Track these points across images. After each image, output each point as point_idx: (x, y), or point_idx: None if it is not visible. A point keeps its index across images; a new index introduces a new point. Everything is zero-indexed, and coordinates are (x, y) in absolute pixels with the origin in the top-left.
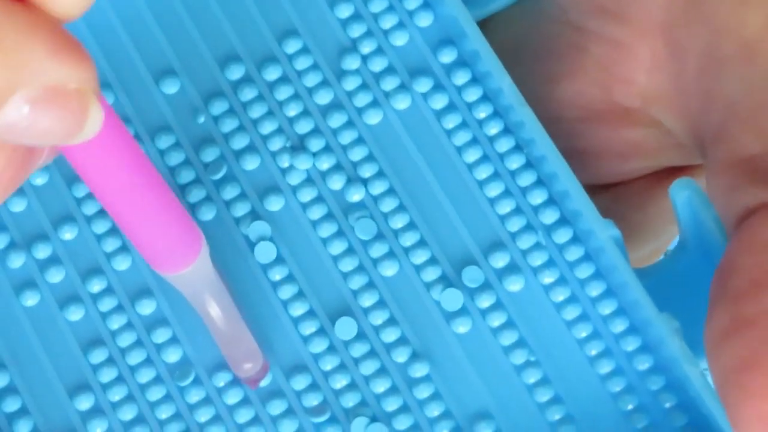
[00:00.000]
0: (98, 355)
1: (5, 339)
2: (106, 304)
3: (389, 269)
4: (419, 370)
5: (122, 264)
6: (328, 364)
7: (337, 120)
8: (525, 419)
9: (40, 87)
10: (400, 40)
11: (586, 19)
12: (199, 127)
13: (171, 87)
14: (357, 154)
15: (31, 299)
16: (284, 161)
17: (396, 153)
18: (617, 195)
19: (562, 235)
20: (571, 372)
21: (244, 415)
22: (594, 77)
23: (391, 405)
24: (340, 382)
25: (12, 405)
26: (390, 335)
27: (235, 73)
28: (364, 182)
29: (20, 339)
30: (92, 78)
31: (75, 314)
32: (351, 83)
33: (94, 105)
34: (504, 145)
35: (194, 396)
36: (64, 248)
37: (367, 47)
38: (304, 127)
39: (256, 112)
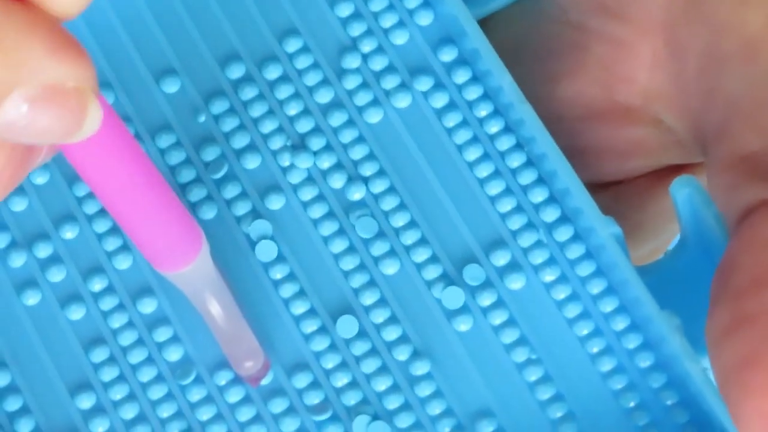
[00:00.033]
0: (99, 354)
1: (6, 338)
2: (107, 303)
3: (390, 267)
4: (420, 368)
5: (123, 263)
6: (330, 362)
7: (337, 119)
8: (526, 417)
9: (38, 85)
10: (400, 38)
11: (586, 18)
12: (200, 126)
13: (171, 86)
14: (358, 152)
15: (32, 298)
16: (285, 160)
17: (396, 151)
18: (618, 194)
19: (563, 233)
20: (572, 370)
21: (245, 414)
22: (595, 76)
23: (393, 403)
24: (341, 380)
25: (13, 404)
26: (391, 333)
27: (236, 72)
28: (365, 181)
29: (21, 338)
30: (91, 76)
31: (76, 313)
32: (351, 82)
33: (93, 103)
34: (505, 143)
35: (195, 395)
36: (65, 247)
37: (367, 46)
38: (304, 125)
39: (257, 111)
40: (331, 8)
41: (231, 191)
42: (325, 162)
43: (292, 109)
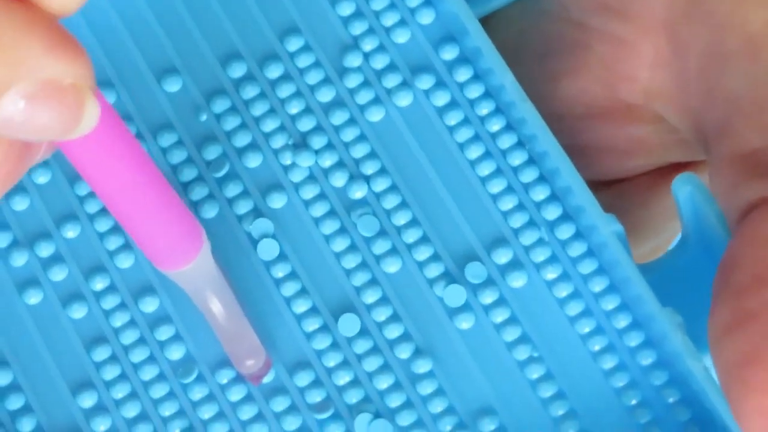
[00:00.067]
0: (101, 353)
1: (8, 337)
2: (109, 302)
3: (392, 266)
4: (422, 366)
5: (125, 262)
6: (332, 360)
7: (339, 117)
8: (528, 415)
9: (36, 82)
10: (401, 37)
11: (588, 17)
12: (201, 125)
13: (173, 85)
14: (359, 151)
15: (33, 297)
16: (286, 159)
17: (398, 150)
18: (620, 192)
19: (565, 231)
20: (574, 367)
21: (247, 412)
22: (597, 74)
23: (395, 401)
24: (343, 378)
25: (15, 403)
26: (393, 331)
27: (237, 71)
28: (367, 179)
29: (23, 337)
30: (88, 73)
31: (78, 312)
32: (353, 80)
33: (90, 100)
34: (506, 141)
35: (197, 393)
36: (67, 246)
37: (368, 45)
38: (306, 124)
39: (258, 109)
40: (332, 7)
41: (232, 190)
42: (327, 160)
43: (294, 108)
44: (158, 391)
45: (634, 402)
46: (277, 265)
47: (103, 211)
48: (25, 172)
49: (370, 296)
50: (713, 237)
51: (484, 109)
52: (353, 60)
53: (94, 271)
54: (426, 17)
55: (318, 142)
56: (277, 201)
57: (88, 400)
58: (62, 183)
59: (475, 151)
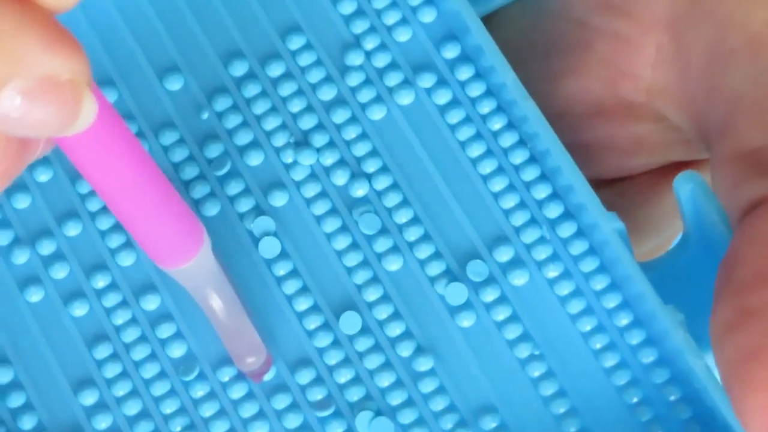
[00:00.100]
0: (103, 351)
1: (10, 335)
2: (111, 300)
3: (393, 264)
4: (424, 364)
5: (126, 260)
6: (333, 358)
7: (340, 115)
8: (530, 413)
9: (32, 78)
10: (403, 35)
11: (590, 15)
12: (203, 123)
13: (174, 83)
14: (361, 149)
15: (35, 295)
16: (288, 157)
17: (400, 148)
18: (622, 190)
19: (567, 229)
20: (575, 365)
21: (248, 410)
22: (599, 73)
23: (396, 399)
24: (344, 376)
25: (17, 400)
26: (394, 329)
27: (239, 69)
28: (368, 177)
29: (24, 335)
30: (85, 69)
31: (79, 310)
32: (354, 79)
33: (87, 96)
34: (508, 139)
35: (199, 391)
36: (68, 244)
37: (370, 43)
38: (307, 122)
39: (260, 108)
40: (333, 5)
41: (234, 188)
42: (328, 159)
43: (295, 106)
44: (159, 388)
45: (635, 400)
46: (278, 263)
47: (105, 210)
48: (23, 169)
49: (372, 294)
50: (715, 235)
51: (486, 107)
52: (355, 58)
53: (95, 269)
54: (427, 15)
55: (319, 140)
56: (278, 199)
57: (89, 398)
58: (63, 181)
59: (476, 150)
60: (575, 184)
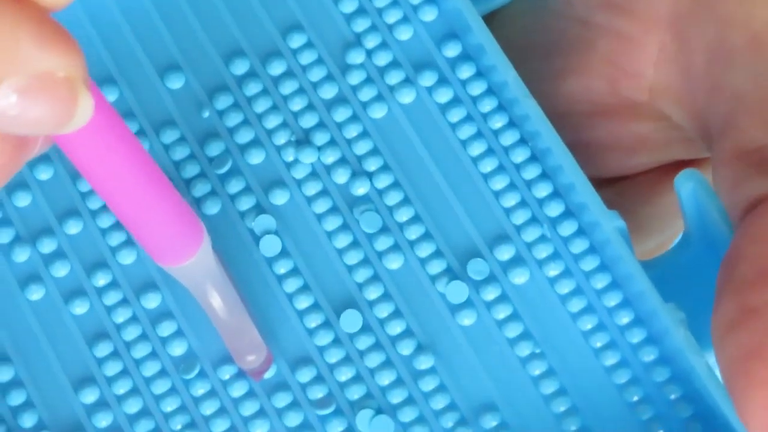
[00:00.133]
0: (103, 349)
1: (10, 333)
2: (111, 298)
3: (394, 262)
4: (424, 363)
5: (127, 258)
6: (333, 356)
7: (341, 114)
8: (530, 411)
9: (28, 76)
10: (404, 34)
11: (592, 14)
12: (204, 122)
13: (175, 82)
14: (362, 147)
15: (36, 293)
16: (289, 155)
17: (401, 146)
18: (623, 189)
19: (567, 228)
20: (576, 364)
21: (249, 408)
22: (601, 71)
23: (396, 397)
24: (345, 374)
25: (17, 398)
26: (395, 328)
27: (240, 67)
28: (369, 176)
29: (25, 333)
30: (80, 66)
31: (80, 308)
32: (356, 77)
33: (84, 93)
34: (509, 138)
35: (199, 389)
36: (69, 242)
37: (371, 42)
38: (308, 121)
39: (261, 106)
40: (335, 4)
41: (235, 186)
42: (330, 157)
43: (297, 105)
44: (160, 387)
45: (636, 398)
46: (279, 261)
47: (105, 208)
48: (21, 166)
49: (373, 293)
50: (716, 233)
51: (487, 106)
52: (356, 57)
53: (96, 267)
54: (428, 14)
55: (320, 138)
56: (279, 197)
57: (89, 396)
58: (64, 179)
59: (477, 148)
60: (576, 182)
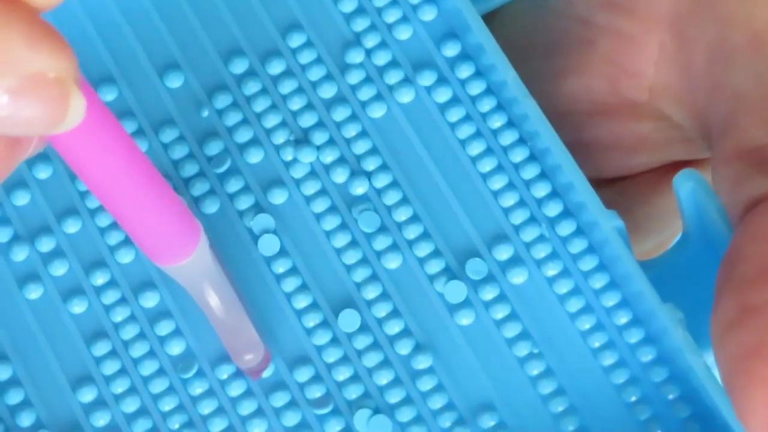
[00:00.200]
0: (101, 348)
1: (8, 332)
2: (109, 297)
3: (392, 262)
4: (422, 362)
5: (125, 257)
6: (331, 356)
7: (340, 113)
8: (528, 411)
9: (19, 77)
10: (403, 33)
11: (593, 13)
12: (203, 121)
13: (174, 81)
14: (361, 147)
15: (34, 292)
16: (288, 154)
17: (400, 146)
18: (623, 189)
19: (566, 228)
20: (574, 364)
21: (246, 408)
22: (601, 71)
23: (394, 397)
24: (343, 374)
25: (15, 397)
26: (393, 327)
27: (239, 66)
28: (368, 175)
29: (23, 332)
30: (72, 67)
31: (78, 307)
32: (355, 77)
33: (75, 93)
34: (508, 137)
35: (197, 388)
36: (68, 241)
37: (370, 41)
38: (307, 120)
39: (260, 105)
40: (334, 3)
41: (234, 185)
42: (328, 156)
43: (296, 104)
44: (158, 386)
45: (634, 398)
46: (277, 260)
47: (104, 207)
48: (16, 166)
49: (371, 292)
50: (715, 233)
51: (486, 105)
52: (355, 56)
53: (94, 266)
54: (428, 14)
55: (319, 138)
56: (278, 197)
57: (87, 395)
58: (63, 178)
59: (476, 148)
60: (575, 182)
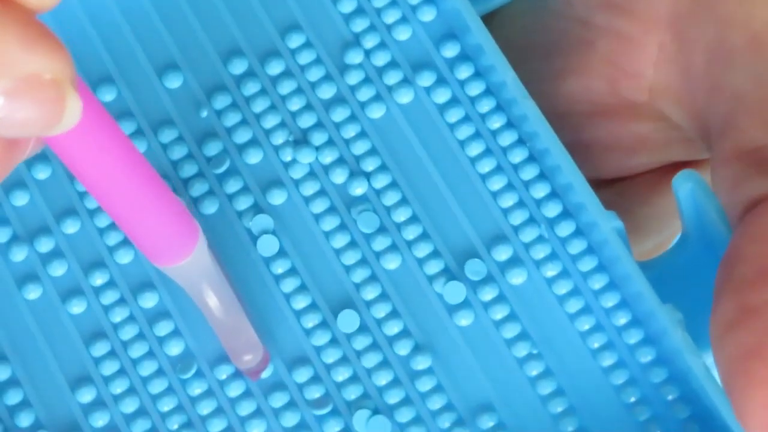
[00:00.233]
0: (100, 348)
1: (7, 332)
2: (108, 298)
3: (391, 262)
4: (421, 363)
5: (124, 257)
6: (330, 356)
7: (339, 114)
8: (527, 412)
9: (14, 78)
10: (403, 34)
11: (592, 14)
12: (202, 122)
13: (174, 81)
14: (360, 147)
15: (33, 292)
16: (287, 155)
17: (399, 147)
18: (622, 189)
19: (565, 229)
20: (573, 365)
21: (245, 408)
22: (600, 72)
23: (393, 398)
24: (342, 374)
25: (14, 398)
26: (392, 328)
27: (238, 67)
28: (367, 176)
29: (22, 332)
30: (67, 67)
31: (77, 307)
32: (354, 77)
33: (71, 94)
34: (507, 138)
35: (196, 389)
36: (67, 242)
37: (370, 42)
38: (307, 121)
39: (259, 106)
40: (333, 4)
41: (233, 186)
42: (327, 157)
43: (295, 105)
44: (157, 386)
45: (633, 399)
46: (276, 261)
47: None
48: (13, 167)
49: (370, 293)
50: (714, 234)
51: (485, 106)
52: (354, 57)
53: (93, 266)
54: (427, 14)
55: (318, 138)
56: (277, 197)
57: (86, 395)
58: (62, 179)
59: (475, 149)
60: (574, 183)
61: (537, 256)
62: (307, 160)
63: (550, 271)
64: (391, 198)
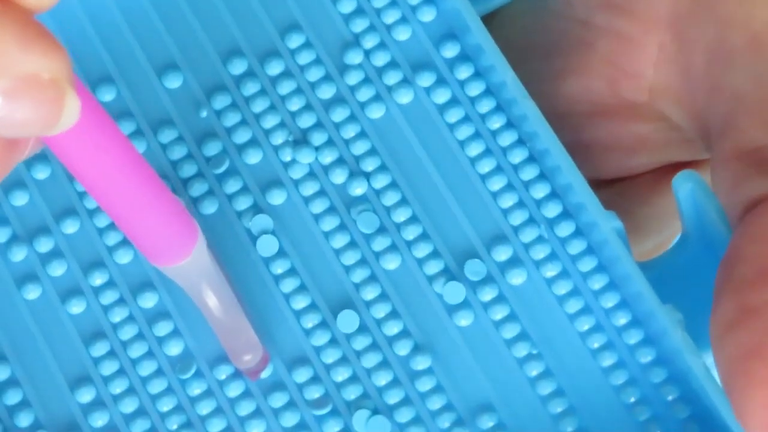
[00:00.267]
0: (99, 348)
1: (7, 332)
2: (108, 297)
3: (391, 262)
4: (421, 363)
5: (124, 257)
6: (330, 356)
7: (339, 114)
8: (527, 412)
9: (13, 78)
10: (402, 34)
11: (592, 14)
12: (202, 122)
13: (173, 81)
14: (359, 148)
15: (32, 292)
16: (287, 155)
17: (398, 147)
18: (622, 190)
19: (565, 229)
20: (573, 365)
21: (245, 408)
22: (601, 72)
23: (393, 398)
24: (341, 374)
25: (13, 398)
26: (392, 328)
27: (238, 67)
28: (367, 176)
29: (22, 332)
30: (66, 68)
31: (76, 307)
32: (354, 78)
33: (70, 94)
34: (507, 139)
35: (195, 389)
36: (66, 242)
37: (369, 42)
38: (306, 121)
39: (259, 106)
40: (333, 4)
41: (232, 186)
42: (327, 157)
43: (294, 105)
44: (156, 386)
45: (633, 399)
46: (276, 261)
47: None
48: (12, 167)
49: (370, 293)
50: (714, 234)
51: (485, 106)
52: (354, 57)
53: (93, 266)
54: (427, 15)
55: (318, 138)
56: (276, 197)
57: (86, 395)
58: (61, 178)
59: (475, 149)
60: (574, 183)
61: (537, 257)
62: (306, 161)
63: (550, 271)
64: (390, 198)
